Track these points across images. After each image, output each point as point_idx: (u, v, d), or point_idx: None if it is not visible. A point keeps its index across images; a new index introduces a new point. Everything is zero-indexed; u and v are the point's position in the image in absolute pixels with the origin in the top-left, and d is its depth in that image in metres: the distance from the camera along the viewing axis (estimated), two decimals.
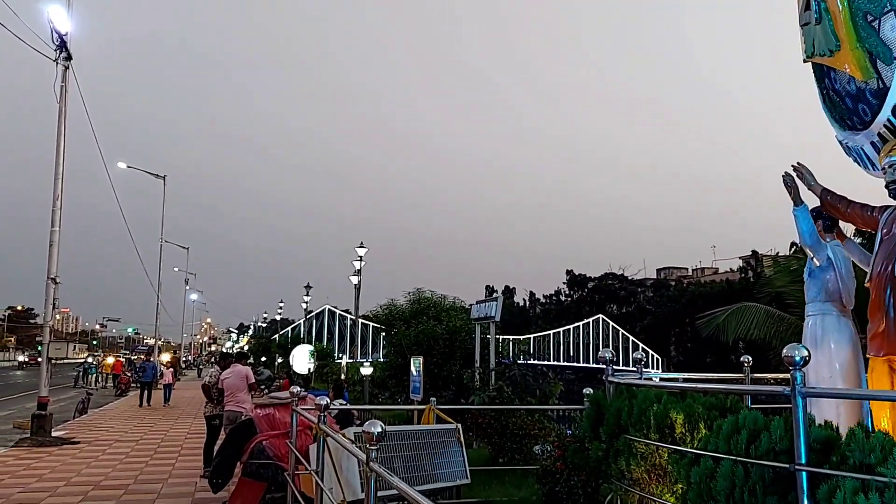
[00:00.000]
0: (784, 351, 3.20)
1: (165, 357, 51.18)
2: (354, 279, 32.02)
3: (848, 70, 5.05)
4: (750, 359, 6.66)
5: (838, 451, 3.10)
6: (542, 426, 10.94)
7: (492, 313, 14.92)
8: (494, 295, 23.26)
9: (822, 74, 5.57)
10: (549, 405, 13.74)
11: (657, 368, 68.75)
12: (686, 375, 8.52)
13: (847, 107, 5.24)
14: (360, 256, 31.76)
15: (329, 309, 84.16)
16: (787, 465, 3.12)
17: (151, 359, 38.05)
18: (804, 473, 3.02)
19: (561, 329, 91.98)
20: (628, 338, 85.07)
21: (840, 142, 5.55)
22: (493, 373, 14.35)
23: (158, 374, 32.45)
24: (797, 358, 3.13)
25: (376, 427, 3.46)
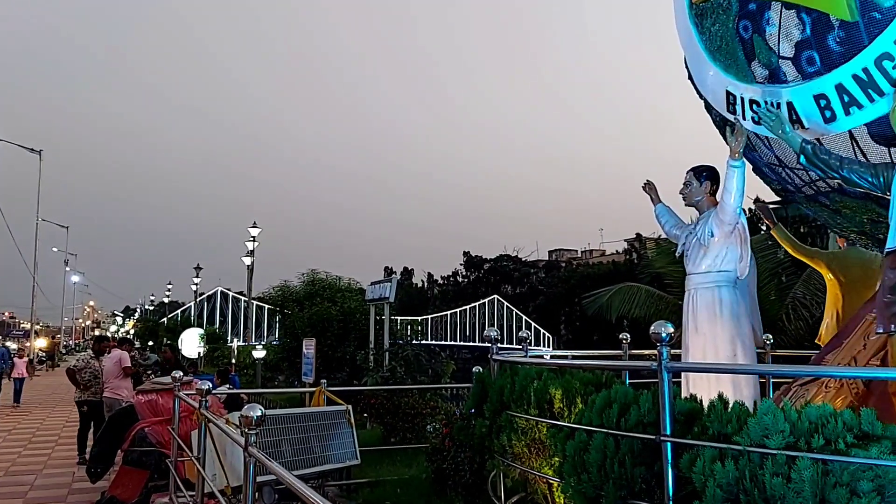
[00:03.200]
0: (651, 328, 3.35)
1: (41, 342, 48.19)
2: (247, 260, 31.20)
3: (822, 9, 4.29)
4: (628, 336, 6.97)
5: (700, 423, 3.29)
6: (435, 405, 11.07)
7: (387, 294, 14.92)
8: (392, 276, 23.25)
9: (738, 14, 4.83)
10: (442, 384, 13.92)
11: (548, 346, 70.88)
12: (572, 353, 8.83)
13: (782, 56, 4.56)
14: (254, 237, 30.96)
15: (222, 291, 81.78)
16: (654, 437, 3.28)
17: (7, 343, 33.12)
18: (669, 444, 3.19)
19: (458, 309, 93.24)
20: (521, 317, 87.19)
21: (733, 99, 4.89)
22: (387, 353, 14.38)
23: (6, 362, 24.23)
24: (663, 334, 3.28)
25: (255, 411, 3.40)
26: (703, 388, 4.65)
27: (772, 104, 4.62)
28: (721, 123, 5.46)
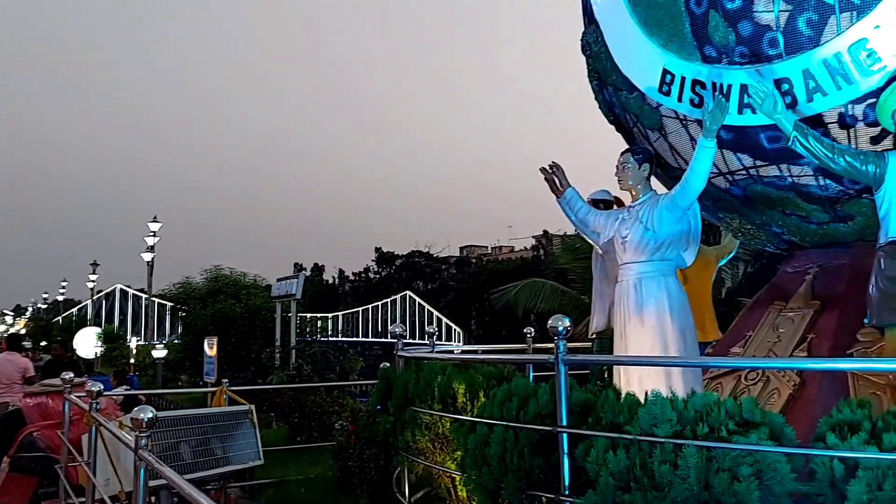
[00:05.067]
0: (549, 322, 3.43)
1: None
2: (147, 256, 30.06)
3: None
4: (533, 330, 7.09)
5: (594, 413, 3.39)
6: (342, 403, 10.97)
7: (293, 291, 14.68)
8: (300, 272, 22.88)
9: None
10: (350, 381, 13.82)
11: (459, 342, 71.53)
12: (482, 347, 8.95)
13: (741, 35, 4.33)
14: (154, 232, 29.85)
15: (121, 288, 78.36)
16: (551, 428, 3.35)
17: None
18: (565, 435, 3.27)
19: (370, 306, 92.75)
20: (433, 313, 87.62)
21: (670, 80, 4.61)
22: (294, 351, 14.15)
23: None
24: (560, 328, 3.37)
25: (146, 412, 3.27)
26: (652, 385, 4.13)
27: (721, 87, 4.38)
28: (612, 117, 5.54)
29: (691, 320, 4.60)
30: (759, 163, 4.73)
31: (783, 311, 5.14)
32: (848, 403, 2.93)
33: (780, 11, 4.15)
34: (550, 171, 5.05)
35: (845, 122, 4.26)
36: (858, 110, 4.19)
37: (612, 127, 5.83)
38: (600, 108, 5.76)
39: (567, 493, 3.22)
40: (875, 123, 4.21)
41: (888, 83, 3.99)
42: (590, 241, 5.47)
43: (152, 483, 4.66)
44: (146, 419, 3.23)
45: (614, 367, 4.86)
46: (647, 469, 2.93)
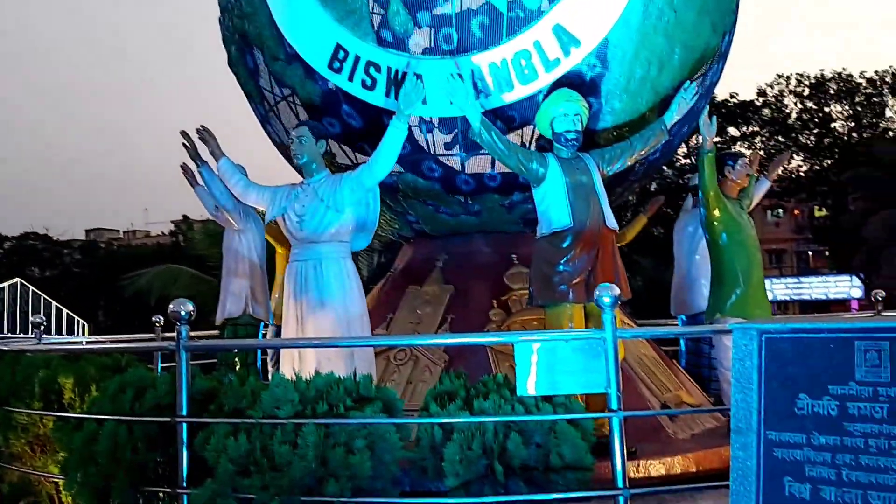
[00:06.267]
0: (171, 306, 3.24)
1: None
2: None
3: None
4: (161, 318, 6.68)
5: (217, 401, 3.29)
6: None
7: None
8: None
9: None
10: None
11: (84, 334, 64.67)
12: (107, 338, 8.15)
13: (420, 26, 4.46)
14: None
15: None
16: (169, 419, 3.17)
17: None
18: (184, 425, 3.12)
19: None
20: (51, 303, 77.83)
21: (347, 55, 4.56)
22: None
23: None
24: (182, 313, 3.20)
25: None
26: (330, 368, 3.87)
27: (397, 73, 4.45)
28: (252, 85, 5.24)
29: (365, 301, 4.57)
30: (414, 155, 4.92)
31: (418, 294, 5.51)
32: (449, 375, 3.27)
33: (458, 11, 4.36)
34: (200, 135, 4.74)
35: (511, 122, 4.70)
36: (515, 114, 4.68)
37: (247, 100, 5.59)
38: (236, 73, 5.42)
39: (185, 485, 3.08)
40: (524, 124, 4.75)
41: (549, 92, 4.47)
42: (231, 220, 5.29)
43: None
44: None
45: (284, 354, 4.62)
46: (268, 451, 2.93)
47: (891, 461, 1.96)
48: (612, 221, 4.51)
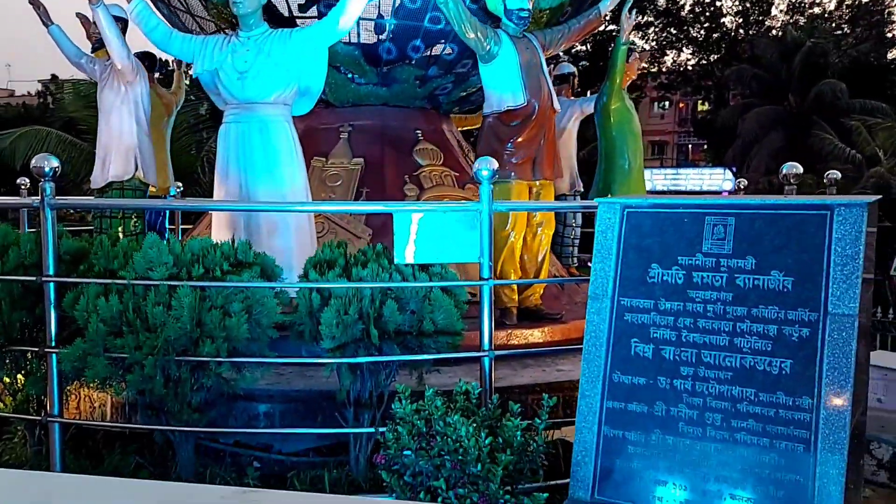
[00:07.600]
0: (33, 162, 3.06)
1: None
2: None
3: None
4: (28, 181, 6.31)
5: (87, 261, 3.19)
6: None
7: None
8: None
9: None
10: None
11: None
12: None
13: None
14: None
15: None
16: (35, 278, 3.06)
17: None
18: (52, 284, 3.02)
19: None
20: None
21: None
22: None
23: None
24: (47, 169, 3.03)
25: None
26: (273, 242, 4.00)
27: None
28: None
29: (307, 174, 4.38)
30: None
31: (326, 166, 5.37)
32: (329, 244, 3.30)
33: None
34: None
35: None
36: None
37: None
38: None
39: (54, 344, 3.02)
40: None
41: None
42: (124, 70, 4.89)
43: None
44: None
45: (220, 221, 4.27)
46: (141, 312, 2.90)
47: (724, 324, 2.18)
48: (556, 103, 4.60)
